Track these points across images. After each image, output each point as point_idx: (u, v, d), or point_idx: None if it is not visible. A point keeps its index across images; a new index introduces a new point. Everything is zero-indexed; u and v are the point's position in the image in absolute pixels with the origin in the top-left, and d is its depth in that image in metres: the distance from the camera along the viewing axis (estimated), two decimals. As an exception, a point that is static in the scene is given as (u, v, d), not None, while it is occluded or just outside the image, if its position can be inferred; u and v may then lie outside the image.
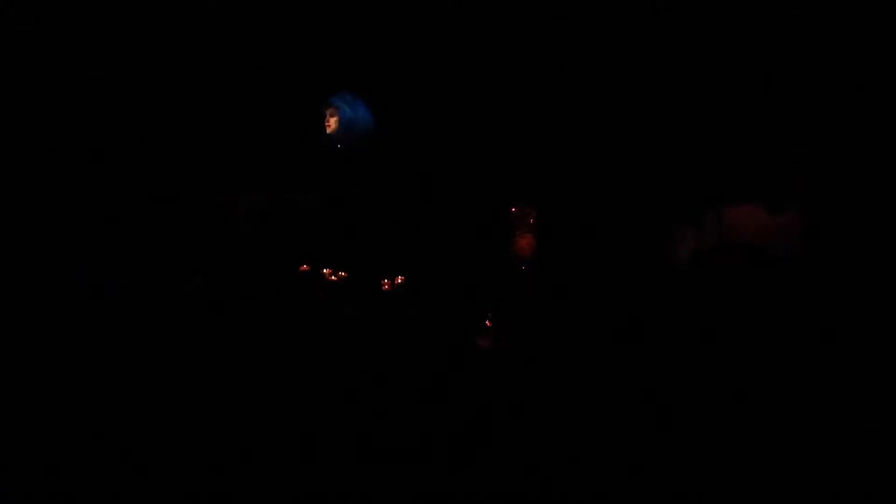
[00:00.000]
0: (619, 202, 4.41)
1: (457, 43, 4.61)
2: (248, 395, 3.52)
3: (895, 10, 4.06)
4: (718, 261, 4.05)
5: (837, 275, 3.86)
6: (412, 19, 4.62)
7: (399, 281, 4.39)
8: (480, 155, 4.62)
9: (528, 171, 4.57)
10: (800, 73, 4.20)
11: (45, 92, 4.29)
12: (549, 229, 4.44)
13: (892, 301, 3.69)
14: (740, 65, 4.28)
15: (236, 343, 3.92)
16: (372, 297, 4.38)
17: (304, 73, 4.58)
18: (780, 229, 4.04)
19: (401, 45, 4.65)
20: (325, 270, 4.47)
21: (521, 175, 4.56)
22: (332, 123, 4.47)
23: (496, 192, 4.56)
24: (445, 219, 4.58)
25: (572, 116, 4.53)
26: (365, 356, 3.89)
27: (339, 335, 4.09)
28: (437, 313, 4.24)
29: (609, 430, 3.21)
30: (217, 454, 3.11)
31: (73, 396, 3.41)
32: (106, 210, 4.30)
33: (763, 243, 4.01)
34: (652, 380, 3.50)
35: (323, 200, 4.48)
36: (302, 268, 4.37)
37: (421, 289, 4.42)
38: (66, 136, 4.30)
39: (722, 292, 3.89)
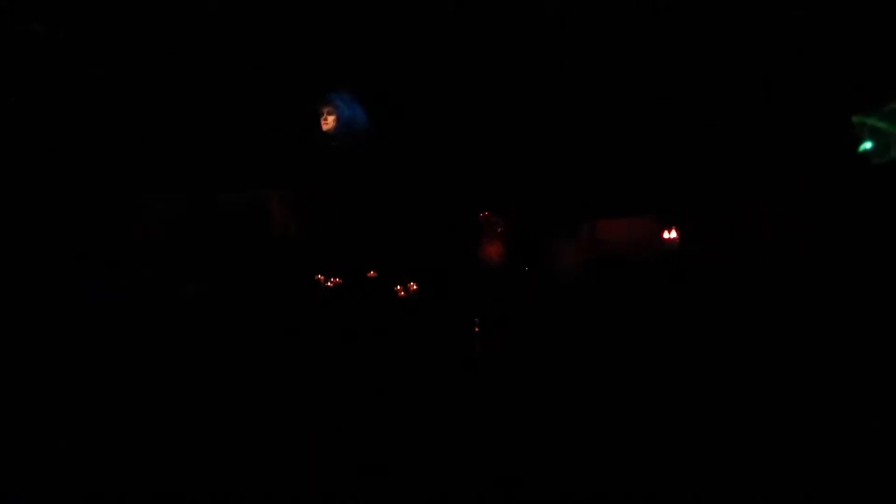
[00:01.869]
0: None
1: (442, 55, 4.62)
2: (248, 398, 3.46)
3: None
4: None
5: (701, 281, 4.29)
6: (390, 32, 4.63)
7: (414, 287, 4.32)
8: (454, 165, 4.67)
9: (499, 180, 4.67)
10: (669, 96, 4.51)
11: (42, 94, 4.08)
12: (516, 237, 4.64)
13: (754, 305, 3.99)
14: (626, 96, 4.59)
15: (236, 348, 3.86)
16: (368, 301, 4.31)
17: (296, 73, 4.47)
18: (648, 240, 4.55)
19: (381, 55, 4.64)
20: (320, 277, 4.37)
21: (491, 185, 4.67)
22: (329, 121, 4.34)
23: (471, 200, 4.68)
24: (430, 226, 4.61)
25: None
26: (363, 359, 3.85)
27: (336, 339, 4.04)
28: (426, 317, 4.24)
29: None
30: (215, 457, 3.04)
31: (72, 398, 3.34)
32: (104, 212, 4.13)
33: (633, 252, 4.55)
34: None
35: (317, 199, 4.37)
36: (370, 274, 4.32)
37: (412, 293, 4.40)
38: (64, 137, 4.09)
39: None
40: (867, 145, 4.26)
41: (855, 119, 4.26)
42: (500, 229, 4.58)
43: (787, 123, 4.41)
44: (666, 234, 4.62)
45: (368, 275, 4.34)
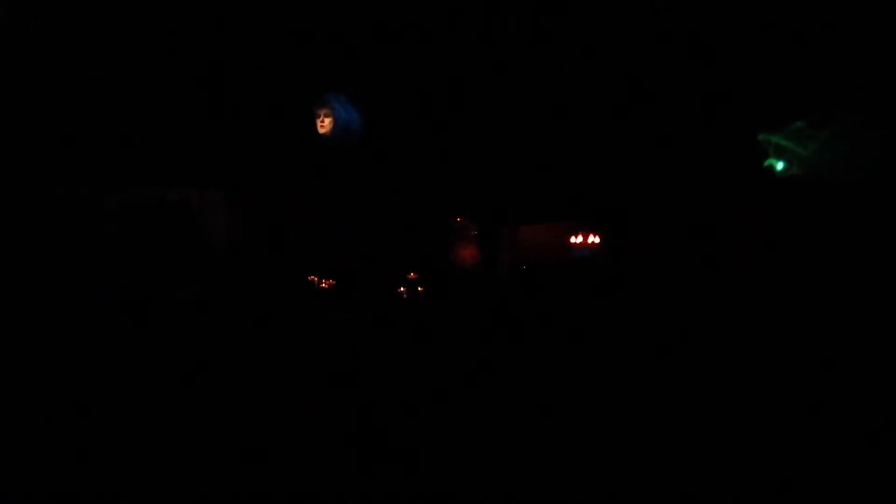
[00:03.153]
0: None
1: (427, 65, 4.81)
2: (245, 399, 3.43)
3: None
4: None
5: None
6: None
7: (419, 290, 4.41)
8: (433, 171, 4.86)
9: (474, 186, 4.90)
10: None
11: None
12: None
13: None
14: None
15: (233, 349, 3.83)
16: (364, 303, 4.35)
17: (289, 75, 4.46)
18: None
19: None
20: (312, 278, 4.36)
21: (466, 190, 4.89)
22: (326, 124, 4.36)
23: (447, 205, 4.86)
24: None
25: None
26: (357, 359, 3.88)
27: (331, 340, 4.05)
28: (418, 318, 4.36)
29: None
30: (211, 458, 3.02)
31: (69, 400, 3.28)
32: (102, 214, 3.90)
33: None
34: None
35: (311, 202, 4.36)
36: (410, 275, 4.30)
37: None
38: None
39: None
40: (772, 161, 4.89)
41: (761, 137, 4.88)
42: (473, 232, 4.80)
43: (699, 140, 4.74)
44: (574, 239, 5.07)
45: (409, 276, 4.40)
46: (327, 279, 4.38)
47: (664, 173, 4.86)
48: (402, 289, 4.42)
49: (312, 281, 4.35)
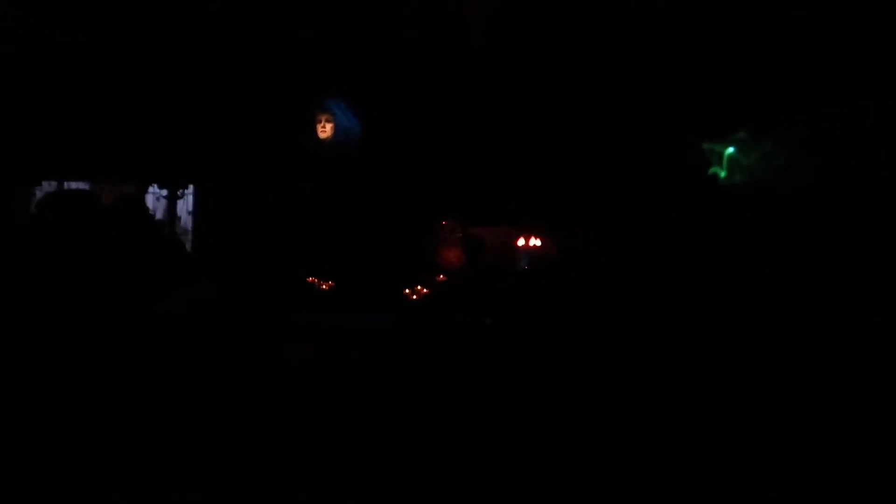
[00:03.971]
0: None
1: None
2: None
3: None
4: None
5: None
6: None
7: (422, 291, 4.52)
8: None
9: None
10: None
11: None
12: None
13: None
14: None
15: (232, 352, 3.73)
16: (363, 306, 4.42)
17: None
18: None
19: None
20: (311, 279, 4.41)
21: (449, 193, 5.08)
22: (327, 130, 4.43)
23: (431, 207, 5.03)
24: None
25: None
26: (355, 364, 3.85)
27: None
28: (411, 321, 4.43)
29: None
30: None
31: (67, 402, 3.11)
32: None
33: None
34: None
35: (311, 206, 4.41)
36: (440, 278, 4.32)
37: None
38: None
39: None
40: (716, 169, 5.28)
41: (705, 145, 5.26)
42: (458, 235, 4.96)
43: (645, 148, 5.06)
44: (521, 242, 5.37)
45: (438, 278, 4.48)
46: (327, 281, 4.46)
47: (608, 180, 5.13)
48: (406, 290, 4.54)
49: (312, 283, 4.42)
